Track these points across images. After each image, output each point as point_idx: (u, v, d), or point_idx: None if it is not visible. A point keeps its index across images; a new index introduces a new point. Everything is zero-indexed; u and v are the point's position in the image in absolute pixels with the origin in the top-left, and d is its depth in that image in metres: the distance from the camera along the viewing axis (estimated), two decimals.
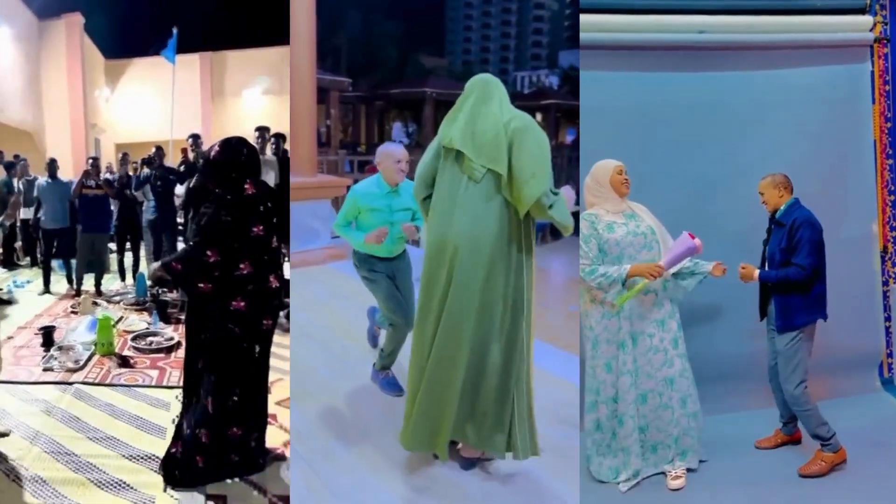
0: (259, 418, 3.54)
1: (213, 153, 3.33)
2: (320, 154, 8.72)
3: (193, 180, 3.51)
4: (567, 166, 22.69)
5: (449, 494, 3.17)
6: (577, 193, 3.30)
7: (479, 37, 53.01)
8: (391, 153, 4.01)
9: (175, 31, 11.81)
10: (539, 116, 24.62)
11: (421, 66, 30.69)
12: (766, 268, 3.71)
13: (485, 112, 3.13)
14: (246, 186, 3.29)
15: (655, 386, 3.52)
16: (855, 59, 4.62)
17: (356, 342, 4.92)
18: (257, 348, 3.40)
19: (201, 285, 3.22)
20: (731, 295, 4.15)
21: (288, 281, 6.78)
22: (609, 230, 3.51)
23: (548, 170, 3.05)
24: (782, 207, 3.66)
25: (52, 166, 7.64)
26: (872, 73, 4.68)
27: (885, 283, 4.75)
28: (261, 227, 3.28)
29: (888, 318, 4.76)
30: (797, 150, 4.40)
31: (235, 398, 3.37)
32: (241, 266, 3.24)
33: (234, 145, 3.36)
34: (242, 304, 3.26)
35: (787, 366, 3.62)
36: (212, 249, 3.18)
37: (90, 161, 7.59)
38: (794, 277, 3.56)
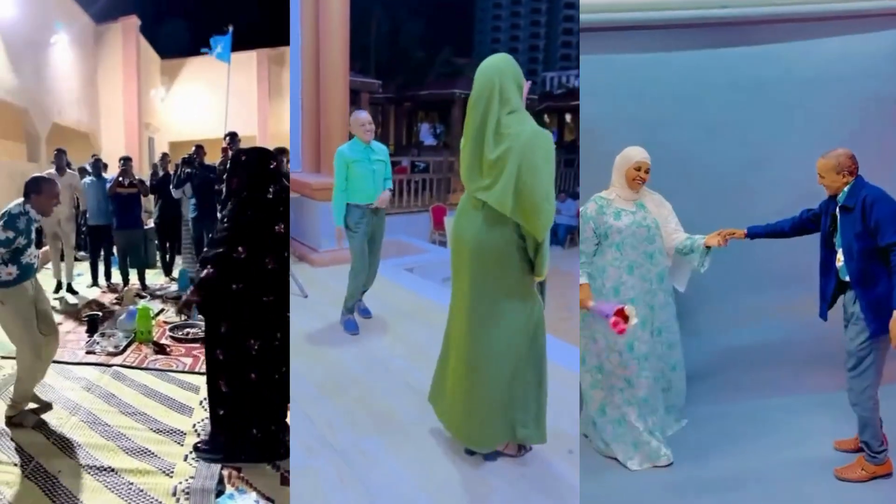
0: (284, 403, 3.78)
1: (243, 156, 3.59)
2: None
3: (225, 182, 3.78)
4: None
5: (452, 481, 3.25)
6: (577, 198, 3.26)
7: (508, 37, 52.36)
8: (356, 119, 5.29)
9: (230, 29, 11.96)
10: (569, 117, 24.44)
11: (449, 66, 30.46)
12: (842, 261, 3.33)
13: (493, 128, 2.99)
14: (270, 189, 3.56)
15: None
16: (887, 25, 4.34)
17: (384, 335, 5.10)
18: (279, 335, 3.65)
19: (234, 286, 3.45)
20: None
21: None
22: (616, 217, 3.58)
23: (552, 191, 3.01)
24: (845, 190, 3.29)
25: (95, 165, 8.02)
26: None
27: None
28: (282, 226, 3.57)
29: None
30: (829, 127, 4.14)
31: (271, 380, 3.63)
32: (267, 261, 3.51)
33: (265, 155, 3.63)
34: (272, 297, 3.53)
35: (858, 366, 3.30)
36: (242, 246, 3.44)
37: (122, 161, 7.84)
38: None
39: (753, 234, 3.66)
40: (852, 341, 3.32)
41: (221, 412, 3.61)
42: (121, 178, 7.65)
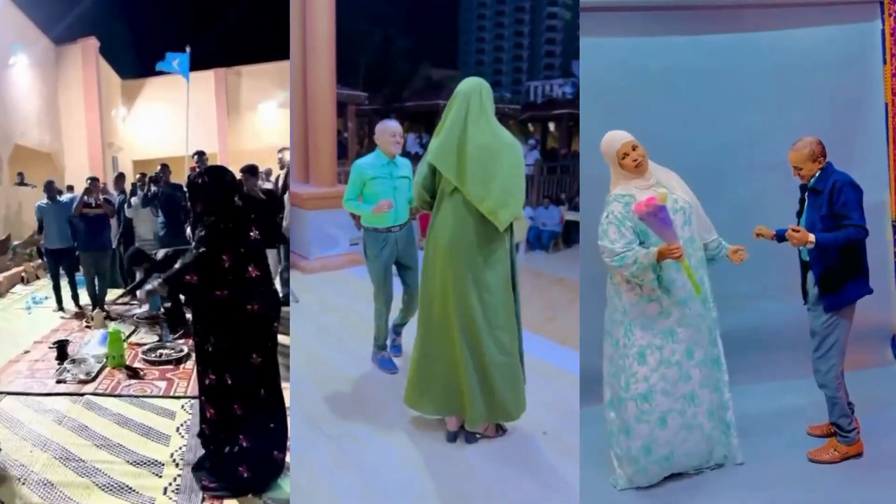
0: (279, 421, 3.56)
1: (201, 180, 3.39)
2: (339, 165, 9.11)
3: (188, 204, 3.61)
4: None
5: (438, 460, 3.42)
6: (577, 195, 3.23)
7: (492, 48, 53.26)
8: (387, 128, 4.42)
9: (188, 49, 11.89)
10: (552, 126, 24.47)
11: (434, 78, 30.82)
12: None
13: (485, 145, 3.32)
14: (236, 199, 3.41)
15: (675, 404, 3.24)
16: (864, 17, 4.43)
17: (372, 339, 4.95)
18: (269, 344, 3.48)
19: (218, 293, 3.27)
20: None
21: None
22: None
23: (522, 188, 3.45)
24: (816, 174, 3.35)
25: (50, 187, 7.69)
26: (883, 31, 4.44)
27: None
28: (257, 232, 3.41)
29: None
30: (803, 117, 4.18)
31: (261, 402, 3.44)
32: (250, 269, 3.32)
33: (219, 171, 3.48)
34: (256, 306, 3.32)
35: (821, 346, 3.39)
36: (226, 254, 3.25)
37: (89, 181, 7.54)
38: (854, 237, 3.23)
39: (781, 237, 3.45)
40: (814, 321, 3.43)
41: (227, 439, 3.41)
42: (86, 198, 7.36)
